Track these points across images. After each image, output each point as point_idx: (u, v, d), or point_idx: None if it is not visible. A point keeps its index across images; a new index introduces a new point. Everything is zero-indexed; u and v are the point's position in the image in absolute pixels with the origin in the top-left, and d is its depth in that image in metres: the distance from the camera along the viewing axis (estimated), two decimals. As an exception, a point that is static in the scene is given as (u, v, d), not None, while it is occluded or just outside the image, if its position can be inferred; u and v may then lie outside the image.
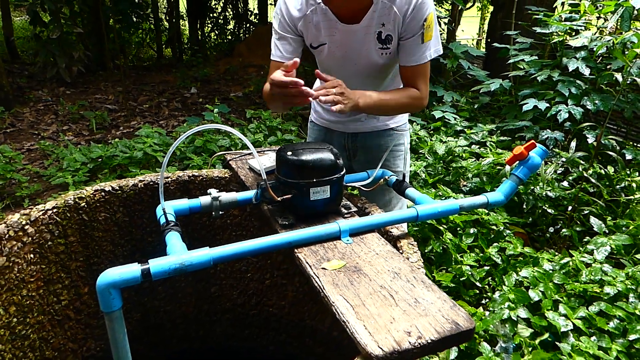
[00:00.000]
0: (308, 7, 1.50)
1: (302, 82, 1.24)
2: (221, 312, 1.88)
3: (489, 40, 5.52)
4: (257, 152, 1.77)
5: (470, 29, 11.78)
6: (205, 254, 1.05)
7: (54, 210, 1.45)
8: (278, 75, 1.26)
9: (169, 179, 1.66)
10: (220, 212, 1.32)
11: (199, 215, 1.73)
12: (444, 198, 2.35)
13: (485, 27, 8.47)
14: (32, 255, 1.39)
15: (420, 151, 2.94)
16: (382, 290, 0.97)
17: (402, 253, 1.19)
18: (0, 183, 3.06)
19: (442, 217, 1.36)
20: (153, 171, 2.76)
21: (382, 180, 1.40)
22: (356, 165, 1.83)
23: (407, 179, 1.77)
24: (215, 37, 9.91)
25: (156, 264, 1.01)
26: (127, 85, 6.29)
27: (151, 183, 1.64)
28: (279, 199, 1.20)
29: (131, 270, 1.00)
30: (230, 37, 9.85)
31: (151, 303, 1.78)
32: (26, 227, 1.37)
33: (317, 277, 1.02)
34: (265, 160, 1.63)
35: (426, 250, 2.07)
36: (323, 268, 1.05)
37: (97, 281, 0.99)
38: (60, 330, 1.52)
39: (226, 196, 1.32)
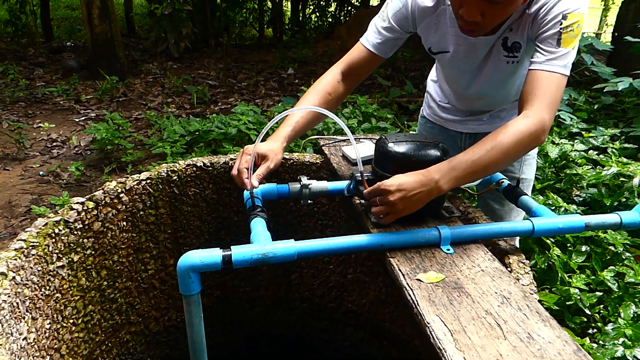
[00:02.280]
0: (438, 6, 1.27)
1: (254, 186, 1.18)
2: (299, 300, 1.83)
3: (616, 33, 4.92)
4: (354, 139, 1.67)
5: (590, 20, 10.70)
6: (290, 246, 0.98)
7: (148, 181, 1.45)
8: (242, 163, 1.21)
9: (260, 160, 1.61)
10: (309, 201, 1.24)
11: (285, 200, 1.67)
12: (554, 208, 2.10)
13: (609, 19, 7.61)
14: (124, 223, 1.41)
15: (528, 152, 2.66)
16: (488, 316, 0.83)
17: (511, 272, 1.03)
18: (109, 148, 3.25)
19: (561, 234, 1.17)
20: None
21: (493, 184, 1.23)
22: None
23: (529, 187, 1.56)
24: (316, 18, 9.92)
25: (238, 252, 0.95)
26: (228, 62, 6.48)
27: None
28: (368, 189, 1.09)
29: (212, 255, 0.94)
30: (330, 20, 9.81)
31: (232, 282, 1.76)
32: (121, 195, 1.38)
33: (411, 289, 0.90)
34: (362, 149, 1.52)
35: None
36: (418, 279, 0.93)
37: (178, 262, 0.95)
38: (146, 298, 1.55)
39: (317, 185, 1.23)
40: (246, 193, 1.19)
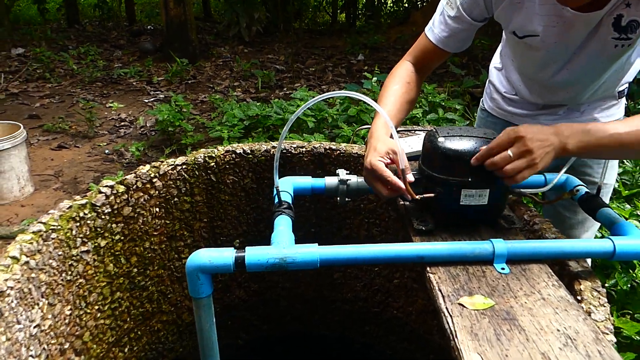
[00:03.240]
0: None
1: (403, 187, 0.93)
2: (341, 300, 1.70)
3: None
4: (408, 130, 1.50)
5: None
6: (312, 252, 0.85)
7: (183, 166, 1.38)
8: (380, 165, 0.95)
9: (304, 149, 1.50)
10: (347, 199, 1.10)
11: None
12: (644, 219, 1.80)
13: None
14: (157, 209, 1.35)
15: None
16: (544, 362, 0.65)
17: (580, 302, 0.84)
18: (170, 129, 3.29)
19: None
20: (301, 136, 2.67)
21: (567, 193, 1.02)
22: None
23: (608, 195, 1.31)
24: (391, 3, 9.60)
25: (253, 254, 0.84)
26: (298, 47, 6.41)
27: (284, 151, 1.49)
28: (417, 197, 0.93)
29: (224, 256, 0.84)
30: (406, 5, 9.44)
31: (270, 276, 1.67)
32: (154, 180, 1.32)
33: (450, 315, 0.74)
34: (412, 143, 1.36)
35: (607, 284, 1.60)
36: (460, 304, 0.76)
37: (187, 262, 0.85)
38: (179, 287, 1.49)
39: (356, 181, 1.09)
40: (278, 184, 1.08)
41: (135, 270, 1.34)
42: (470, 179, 0.91)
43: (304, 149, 1.50)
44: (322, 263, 0.85)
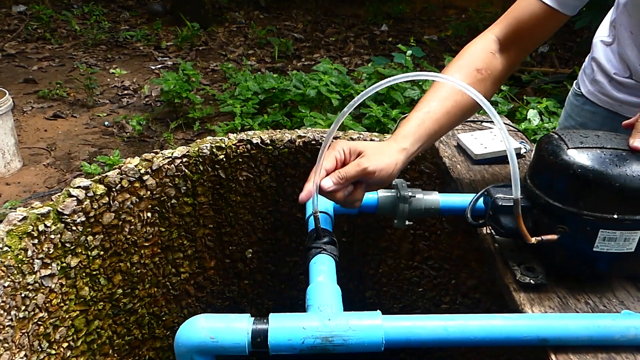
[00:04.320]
0: None
1: None
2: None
3: None
4: (471, 120, 1.17)
5: None
6: (374, 324, 0.54)
7: (184, 160, 1.07)
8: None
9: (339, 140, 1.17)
10: (408, 223, 0.79)
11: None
12: None
13: None
14: (149, 214, 1.05)
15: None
16: None
17: None
18: (177, 101, 2.97)
19: None
20: (324, 115, 2.34)
21: None
22: None
23: None
24: (416, -29, 9.01)
25: (280, 327, 0.53)
26: (318, 15, 5.98)
27: (313, 142, 1.17)
28: (532, 239, 0.61)
29: (233, 328, 0.53)
30: (433, -27, 8.85)
31: (289, 292, 1.37)
32: (145, 177, 1.01)
33: None
34: (484, 140, 1.03)
35: None
36: None
37: (176, 335, 0.55)
38: (176, 307, 1.20)
39: (422, 197, 0.77)
40: (308, 207, 0.76)
41: (120, 291, 1.05)
42: (616, 215, 0.59)
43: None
44: (388, 345, 0.54)
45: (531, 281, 0.64)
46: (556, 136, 0.64)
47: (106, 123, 2.91)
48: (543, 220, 0.64)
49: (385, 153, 0.72)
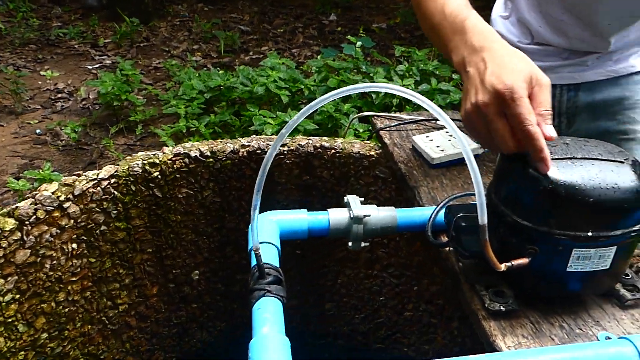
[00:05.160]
0: None
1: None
2: (333, 335, 1.34)
3: None
4: (416, 120, 1.10)
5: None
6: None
7: (112, 181, 0.95)
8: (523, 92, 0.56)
9: (285, 149, 1.08)
10: (364, 244, 0.71)
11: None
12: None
13: None
14: (74, 246, 0.93)
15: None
16: None
17: None
18: (116, 104, 2.77)
19: None
20: (274, 113, 2.23)
21: None
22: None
23: None
24: (362, -42, 8.94)
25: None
26: (264, 6, 5.82)
27: (258, 151, 1.08)
28: (502, 267, 0.54)
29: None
30: (378, -40, 8.81)
31: (241, 311, 1.28)
32: (66, 205, 0.89)
33: None
34: (440, 141, 0.96)
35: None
36: None
37: None
38: (116, 343, 1.09)
39: (377, 215, 0.70)
40: (250, 238, 0.67)
41: (45, 335, 0.92)
42: (590, 233, 0.53)
43: (285, 148, 1.08)
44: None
45: (501, 307, 0.58)
46: (521, 147, 0.57)
47: (38, 131, 2.68)
48: (511, 241, 0.57)
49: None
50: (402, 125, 1.10)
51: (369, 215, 0.69)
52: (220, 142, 1.08)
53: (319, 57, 2.79)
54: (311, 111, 0.52)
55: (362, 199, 0.73)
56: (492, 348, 0.56)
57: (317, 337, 1.35)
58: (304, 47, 4.45)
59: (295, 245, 1.21)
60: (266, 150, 1.08)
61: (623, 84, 1.01)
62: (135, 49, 4.29)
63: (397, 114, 1.15)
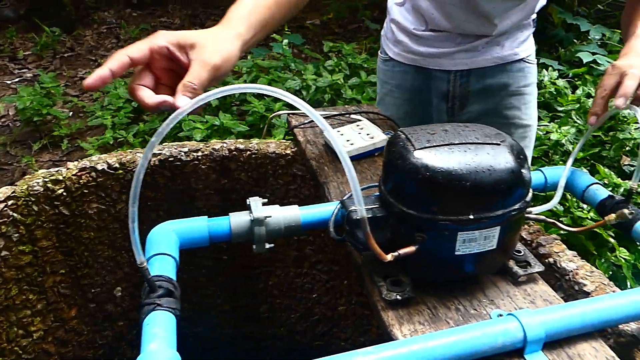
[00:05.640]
0: None
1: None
2: (272, 337, 1.32)
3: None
4: (333, 115, 1.11)
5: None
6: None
7: (10, 203, 0.89)
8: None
9: (199, 154, 1.06)
10: (268, 246, 0.70)
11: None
12: (611, 189, 1.58)
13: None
14: (-28, 275, 0.86)
15: (560, 109, 2.11)
16: None
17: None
18: (37, 119, 2.63)
19: None
20: (203, 117, 2.18)
21: (615, 215, 0.67)
22: (463, 122, 1.12)
23: (533, 138, 1.23)
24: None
25: None
26: (196, 8, 5.70)
27: (171, 159, 1.04)
28: (388, 257, 0.55)
29: None
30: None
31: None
32: (-44, 232, 0.83)
33: None
34: (350, 136, 0.96)
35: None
36: None
37: None
38: (35, 372, 1.02)
39: (280, 216, 0.69)
40: (148, 246, 0.65)
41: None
42: (472, 216, 0.54)
43: (199, 154, 1.06)
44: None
45: (397, 296, 0.58)
46: (403, 136, 0.58)
47: (-49, 153, 2.51)
48: (400, 230, 0.58)
49: (223, 39, 0.63)
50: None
51: (270, 217, 0.68)
52: (130, 152, 1.04)
53: (249, 57, 2.76)
54: (180, 117, 0.50)
55: (265, 200, 0.72)
56: (390, 338, 0.56)
57: (256, 340, 1.33)
58: (238, 48, 4.40)
59: (221, 251, 1.18)
60: (179, 157, 1.05)
61: (508, 70, 1.07)
62: (58, 60, 4.09)
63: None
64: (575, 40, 2.65)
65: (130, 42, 3.34)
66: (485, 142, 0.56)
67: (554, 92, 2.18)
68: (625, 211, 0.60)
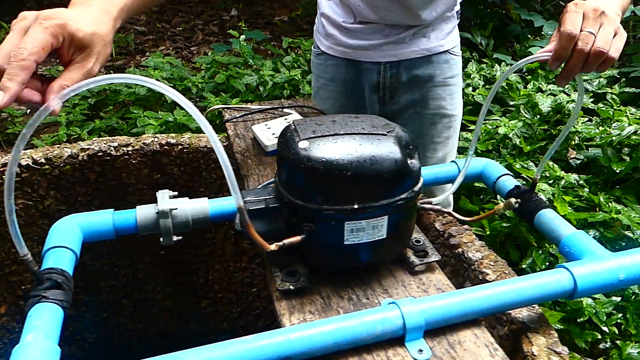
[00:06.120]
0: None
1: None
2: (215, 332, 1.32)
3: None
4: (267, 108, 1.11)
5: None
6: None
7: None
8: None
9: (130, 147, 1.05)
10: (177, 238, 0.70)
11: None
12: (552, 181, 1.62)
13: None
14: None
15: (511, 103, 2.15)
16: None
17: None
18: (-10, 116, 2.57)
19: (617, 289, 0.67)
20: (157, 112, 2.16)
21: (504, 204, 0.69)
22: (395, 111, 1.17)
23: (457, 128, 1.25)
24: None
25: None
26: (163, 4, 5.62)
27: (100, 153, 1.03)
28: (272, 246, 0.56)
29: None
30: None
31: (114, 319, 1.23)
32: None
33: None
34: (278, 129, 0.97)
35: (524, 265, 1.39)
36: None
37: None
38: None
39: (186, 208, 0.69)
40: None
41: None
42: (356, 205, 0.55)
43: (129, 148, 1.05)
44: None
45: (291, 286, 0.59)
46: (292, 127, 0.59)
47: None
48: (292, 221, 0.58)
49: (101, 26, 0.60)
50: (249, 116, 1.10)
51: (176, 209, 0.68)
52: (58, 147, 1.03)
53: (210, 53, 2.74)
54: (47, 113, 0.50)
55: (176, 192, 0.72)
56: (280, 327, 0.57)
57: (199, 336, 1.33)
58: (204, 44, 4.35)
59: (158, 246, 1.18)
60: (108, 152, 1.04)
61: (435, 62, 1.09)
62: (19, 56, 4.00)
63: (247, 105, 1.15)
64: (529, 36, 2.71)
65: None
66: (371, 132, 0.57)
67: (506, 87, 2.22)
68: (512, 200, 0.62)
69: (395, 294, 0.61)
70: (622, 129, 1.57)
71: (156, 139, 1.07)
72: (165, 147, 1.06)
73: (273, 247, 0.55)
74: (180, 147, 1.07)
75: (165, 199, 0.69)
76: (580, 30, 0.64)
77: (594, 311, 1.26)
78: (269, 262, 0.64)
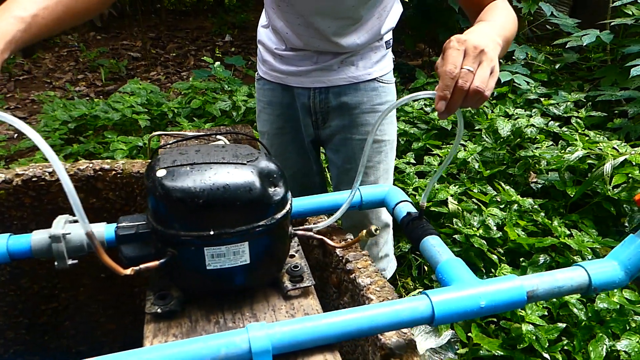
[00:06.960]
0: None
1: None
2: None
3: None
4: (213, 134, 1.15)
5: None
6: None
7: None
8: None
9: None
10: (71, 262, 0.72)
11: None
12: (504, 205, 1.63)
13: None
14: None
15: (477, 127, 2.18)
16: None
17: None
18: (-26, 141, 2.64)
19: (480, 316, 0.68)
20: (130, 136, 2.21)
21: (365, 232, 0.70)
22: (327, 135, 1.21)
23: (392, 150, 1.28)
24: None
25: None
26: (160, 31, 5.77)
27: (34, 179, 1.07)
28: (126, 271, 0.58)
29: None
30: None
31: (55, 342, 1.25)
32: None
33: None
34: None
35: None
36: None
37: None
38: None
39: (81, 232, 0.71)
40: None
41: None
42: (212, 232, 0.57)
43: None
44: None
45: (158, 310, 0.61)
46: (157, 156, 0.61)
47: None
48: (158, 246, 0.61)
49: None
50: (185, 141, 1.14)
51: (69, 233, 0.71)
52: (6, 170, 1.07)
53: (191, 79, 2.81)
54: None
55: (75, 217, 0.74)
56: (143, 349, 0.58)
57: None
58: (195, 69, 4.46)
59: (100, 269, 1.20)
60: (43, 177, 1.07)
61: (362, 89, 1.12)
62: (12, 83, 4.11)
63: (182, 132, 1.18)
64: (502, 61, 2.75)
65: (89, 64, 3.40)
66: (230, 162, 0.59)
67: (473, 111, 2.25)
68: (372, 228, 0.64)
69: (263, 318, 0.63)
70: (572, 153, 1.59)
71: (91, 165, 1.10)
72: (99, 172, 1.09)
73: (128, 271, 0.57)
74: (114, 172, 1.10)
75: (60, 224, 0.72)
76: (461, 68, 0.66)
77: (534, 337, 1.26)
78: (150, 283, 0.66)
